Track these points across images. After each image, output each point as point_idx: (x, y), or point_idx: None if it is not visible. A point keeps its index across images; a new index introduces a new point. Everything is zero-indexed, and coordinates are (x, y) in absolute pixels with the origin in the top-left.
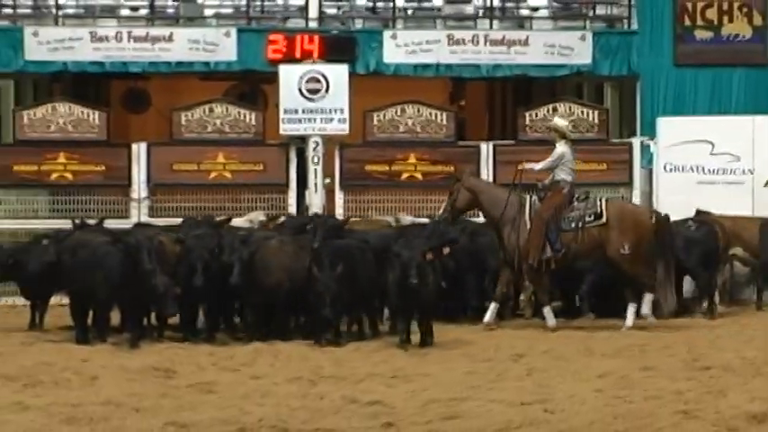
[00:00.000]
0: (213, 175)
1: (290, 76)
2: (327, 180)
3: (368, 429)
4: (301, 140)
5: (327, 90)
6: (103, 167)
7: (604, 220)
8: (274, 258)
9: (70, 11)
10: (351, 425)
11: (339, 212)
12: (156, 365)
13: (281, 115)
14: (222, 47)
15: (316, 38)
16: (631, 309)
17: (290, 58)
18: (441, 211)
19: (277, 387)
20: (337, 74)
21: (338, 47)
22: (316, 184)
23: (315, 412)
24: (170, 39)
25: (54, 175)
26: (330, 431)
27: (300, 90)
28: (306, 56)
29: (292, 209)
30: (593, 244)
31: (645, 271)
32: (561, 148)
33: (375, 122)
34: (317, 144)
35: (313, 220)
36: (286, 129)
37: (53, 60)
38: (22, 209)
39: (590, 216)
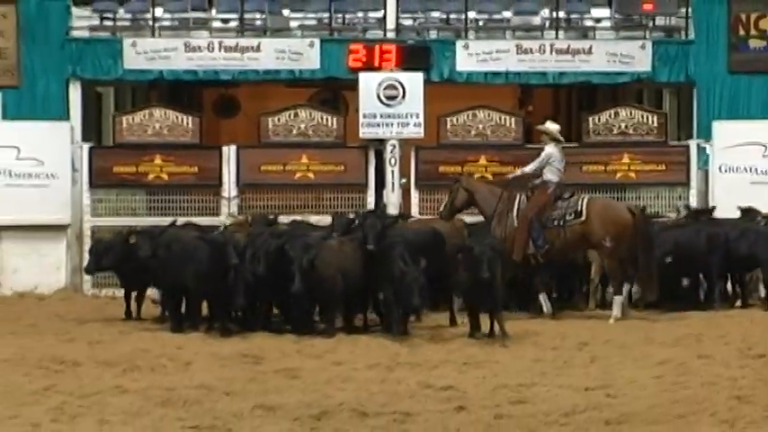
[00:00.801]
0: (298, 175)
1: (369, 84)
2: (404, 180)
3: (441, 412)
4: (379, 143)
5: (404, 96)
6: (196, 168)
7: (584, 218)
8: (332, 259)
9: (166, 23)
10: (425, 408)
11: (414, 210)
12: (245, 352)
13: (361, 120)
14: (306, 56)
15: (393, 47)
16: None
17: (369, 67)
18: (441, 209)
19: (357, 373)
20: (413, 81)
21: (414, 56)
22: (393, 184)
23: (392, 396)
24: (258, 49)
25: (151, 176)
26: (406, 414)
27: (379, 96)
28: (384, 64)
29: (371, 207)
30: (576, 240)
31: (617, 270)
32: (549, 149)
33: (448, 126)
34: (395, 146)
35: (362, 221)
36: (365, 132)
37: (150, 69)
38: (121, 207)
39: (570, 215)
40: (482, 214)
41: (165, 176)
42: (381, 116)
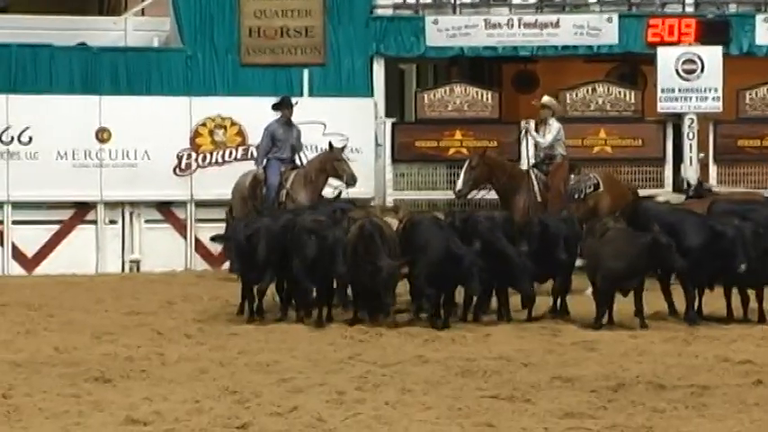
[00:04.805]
0: (596, 150)
1: (667, 58)
2: (701, 154)
3: (739, 386)
4: (677, 117)
5: (703, 71)
6: (496, 143)
7: (602, 188)
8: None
9: (467, 0)
10: (723, 381)
11: (713, 184)
12: (544, 324)
13: (659, 94)
14: (604, 31)
15: (692, 22)
16: None
17: (667, 41)
18: (460, 184)
19: (654, 346)
20: (712, 55)
21: (713, 30)
22: (690, 158)
23: (689, 369)
24: (557, 25)
25: (451, 151)
26: (703, 387)
27: (677, 71)
28: (683, 39)
29: (668, 181)
30: (590, 213)
31: None
32: (557, 123)
33: (747, 100)
34: (692, 121)
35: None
36: (663, 107)
37: (451, 46)
38: (422, 181)
39: (590, 187)
40: (497, 191)
41: (465, 151)
42: (679, 91)
